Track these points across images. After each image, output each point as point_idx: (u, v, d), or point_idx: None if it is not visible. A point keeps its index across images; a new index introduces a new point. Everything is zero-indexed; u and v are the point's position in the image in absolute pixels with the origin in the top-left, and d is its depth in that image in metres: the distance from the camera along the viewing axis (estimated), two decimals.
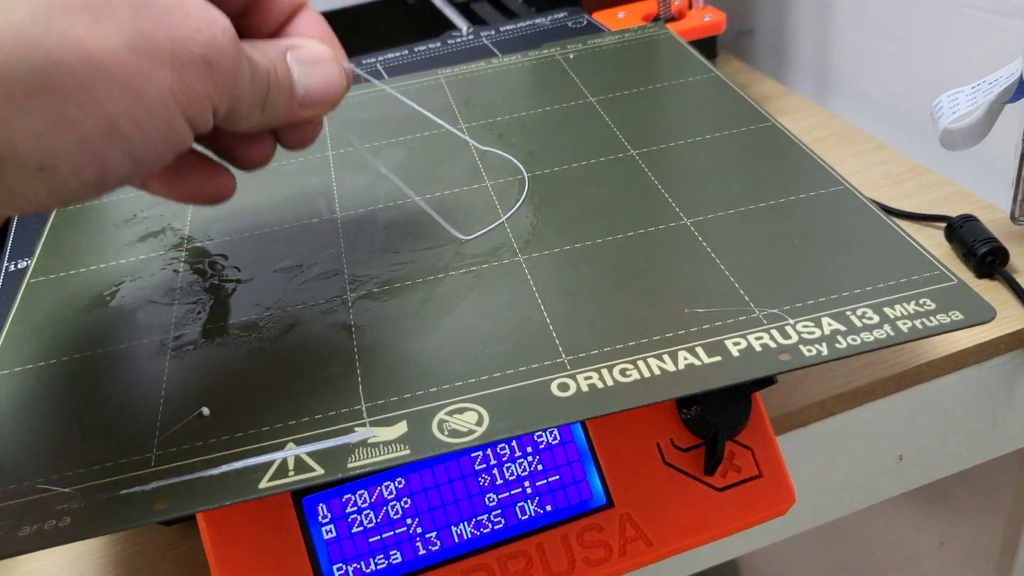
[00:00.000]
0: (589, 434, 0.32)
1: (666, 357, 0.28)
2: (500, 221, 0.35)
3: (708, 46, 0.55)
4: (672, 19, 0.55)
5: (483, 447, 0.31)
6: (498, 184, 0.38)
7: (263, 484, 0.25)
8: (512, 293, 0.31)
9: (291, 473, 0.26)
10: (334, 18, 0.67)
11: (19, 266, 0.38)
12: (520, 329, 0.30)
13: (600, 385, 0.27)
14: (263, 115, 0.26)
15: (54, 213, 0.40)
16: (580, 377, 0.27)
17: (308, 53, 0.27)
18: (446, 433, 0.26)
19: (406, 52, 0.53)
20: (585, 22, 0.54)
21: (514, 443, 0.31)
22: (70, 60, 0.20)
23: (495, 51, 0.51)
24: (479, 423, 0.26)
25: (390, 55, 0.52)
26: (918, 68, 0.54)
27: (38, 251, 0.38)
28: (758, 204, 0.34)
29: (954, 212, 0.45)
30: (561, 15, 0.55)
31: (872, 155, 0.53)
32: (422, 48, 0.53)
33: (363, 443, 0.26)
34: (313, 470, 0.25)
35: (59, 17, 0.20)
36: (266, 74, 0.25)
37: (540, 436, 0.31)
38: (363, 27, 0.68)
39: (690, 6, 0.56)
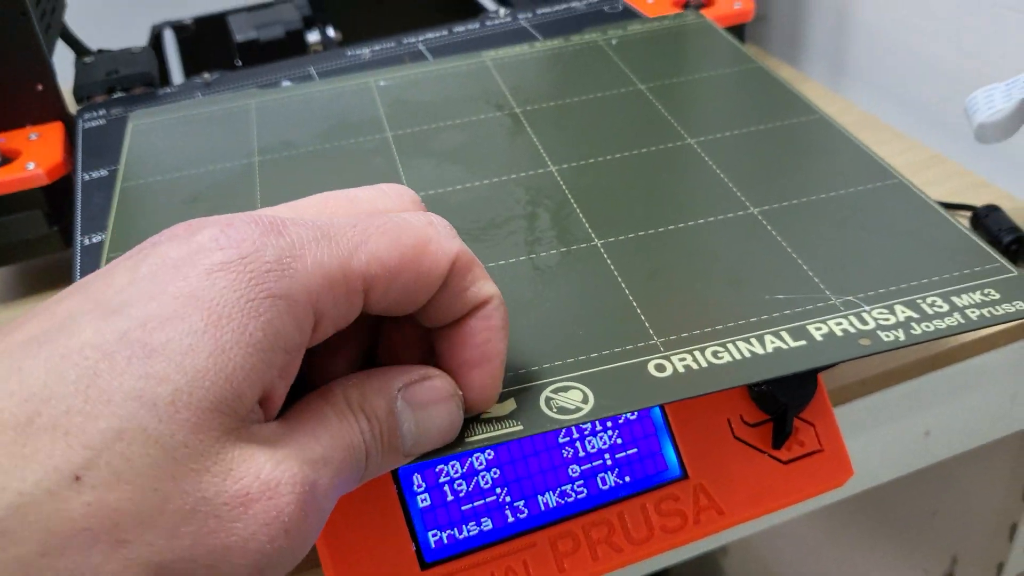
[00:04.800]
0: (665, 410, 0.33)
1: (754, 340, 0.30)
2: (571, 206, 0.37)
3: (736, 32, 0.57)
4: (702, 5, 0.56)
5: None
6: (562, 169, 0.39)
7: None
8: (594, 277, 0.33)
9: None
10: None
11: (93, 240, 0.39)
12: (608, 312, 0.31)
13: (695, 367, 0.29)
14: (359, 479, 0.23)
15: (119, 187, 0.41)
16: (675, 359, 0.29)
17: (426, 394, 0.24)
18: (555, 410, 0.28)
19: (446, 32, 0.54)
20: (621, 7, 0.55)
21: None
22: None
23: (535, 34, 0.53)
24: (584, 401, 0.28)
25: (431, 35, 0.53)
26: (939, 60, 0.56)
27: (111, 225, 0.38)
28: (819, 195, 0.36)
29: (976, 201, 0.47)
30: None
31: (892, 144, 0.55)
32: (461, 29, 0.54)
33: (476, 418, 0.28)
34: None
35: (73, 548, 0.17)
36: (364, 451, 0.22)
37: None
38: (386, 3, 0.69)
39: None
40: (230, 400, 0.19)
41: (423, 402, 0.24)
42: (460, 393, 0.25)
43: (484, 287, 0.24)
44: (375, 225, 0.23)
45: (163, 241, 0.21)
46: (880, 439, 0.43)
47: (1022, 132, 0.43)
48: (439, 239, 0.23)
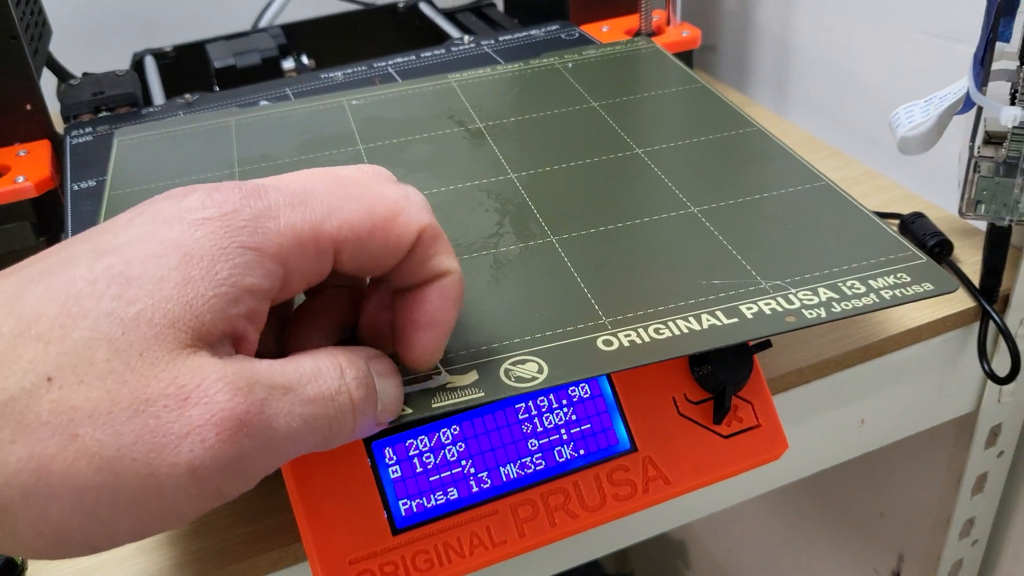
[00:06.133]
0: (615, 388, 0.37)
1: (691, 319, 0.33)
2: (529, 208, 0.40)
3: (684, 59, 0.61)
4: (653, 34, 0.60)
5: (529, 396, 0.36)
6: (521, 176, 0.43)
7: None
8: (550, 267, 0.36)
9: None
10: (327, 24, 0.72)
11: None
12: (561, 297, 0.35)
13: (639, 341, 0.32)
14: (351, 428, 0.25)
15: (107, 195, 0.43)
16: (621, 335, 0.32)
17: (384, 365, 0.27)
18: (513, 379, 0.31)
19: (414, 57, 0.57)
20: (577, 35, 0.59)
21: (551, 396, 0.36)
22: (24, 481, 0.20)
23: (497, 59, 0.56)
24: (540, 371, 0.31)
25: (399, 59, 0.57)
26: (870, 83, 0.61)
27: None
28: (754, 196, 0.40)
29: (904, 210, 0.51)
30: (554, 27, 0.60)
31: (829, 160, 0.59)
32: (428, 54, 0.57)
33: (442, 387, 0.31)
34: (403, 410, 0.30)
35: (35, 438, 0.20)
36: (349, 398, 0.25)
37: (573, 390, 0.36)
38: (355, 33, 0.72)
39: (668, 22, 0.61)
40: (189, 320, 0.22)
41: (383, 372, 0.27)
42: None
43: (446, 260, 0.27)
44: (350, 194, 0.26)
45: (159, 200, 0.24)
46: (818, 427, 0.46)
47: (947, 148, 0.47)
48: (410, 211, 0.26)
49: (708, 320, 0.33)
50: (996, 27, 0.41)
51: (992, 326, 0.46)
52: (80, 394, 0.20)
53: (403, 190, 0.27)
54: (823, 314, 0.33)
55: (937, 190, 0.56)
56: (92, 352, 0.21)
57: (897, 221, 0.51)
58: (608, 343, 0.32)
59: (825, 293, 0.34)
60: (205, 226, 0.23)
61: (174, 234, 0.23)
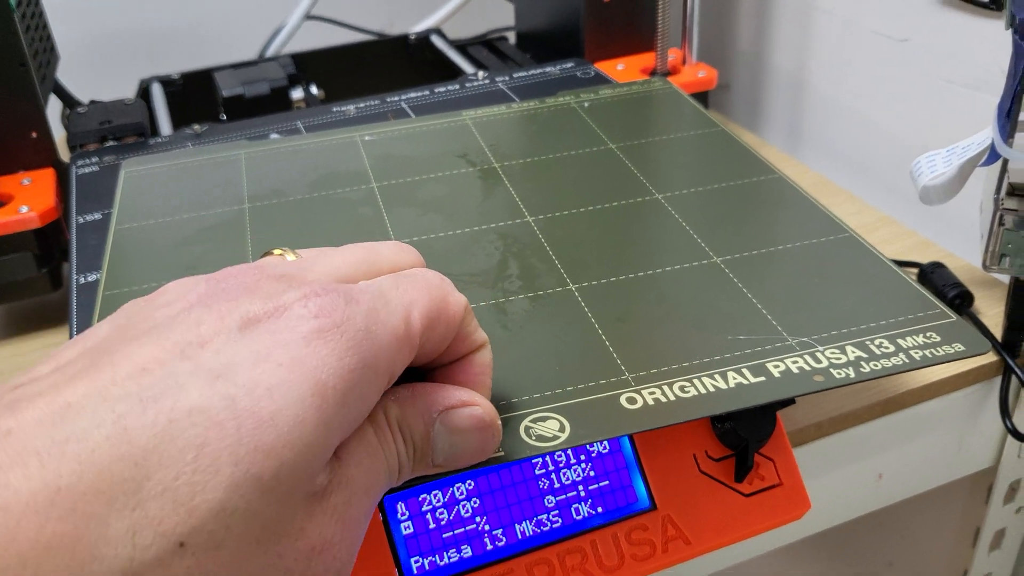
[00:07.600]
0: (635, 444, 0.35)
1: (717, 376, 0.32)
2: (547, 254, 0.39)
3: (700, 100, 0.60)
4: (668, 73, 0.60)
5: (547, 453, 0.34)
6: (539, 220, 0.42)
7: None
8: (569, 318, 0.35)
9: None
10: (337, 54, 0.71)
11: (89, 279, 0.41)
12: (582, 350, 0.34)
13: (664, 399, 0.31)
14: (391, 487, 0.25)
15: (113, 230, 0.42)
16: (645, 392, 0.31)
17: (464, 421, 0.26)
18: (534, 438, 0.30)
19: (427, 92, 0.56)
20: (593, 73, 0.58)
21: (569, 451, 0.35)
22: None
23: (512, 96, 0.56)
24: (561, 430, 0.30)
25: (413, 94, 0.56)
26: (887, 129, 0.60)
27: (106, 265, 0.40)
28: (777, 247, 0.39)
29: (921, 258, 0.51)
30: (569, 65, 0.59)
31: (844, 206, 0.58)
32: (442, 89, 0.57)
33: None
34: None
35: (89, 518, 0.18)
36: (398, 465, 0.24)
37: (591, 445, 0.35)
38: (365, 63, 0.72)
39: (684, 62, 0.61)
40: (319, 467, 0.21)
41: (460, 428, 0.25)
42: (499, 424, 0.27)
43: (480, 332, 0.28)
44: (410, 284, 0.25)
45: (238, 295, 0.22)
46: (836, 481, 0.45)
47: (963, 197, 0.46)
48: (451, 290, 0.26)
49: (734, 378, 0.32)
50: (1023, 79, 0.40)
51: (1015, 381, 0.46)
52: (217, 560, 0.19)
53: (436, 273, 0.27)
54: (852, 374, 0.32)
55: (954, 239, 0.55)
56: (228, 516, 0.19)
57: (915, 270, 0.50)
58: (632, 400, 0.31)
59: (853, 352, 0.33)
60: (324, 342, 0.21)
61: (291, 353, 0.21)
